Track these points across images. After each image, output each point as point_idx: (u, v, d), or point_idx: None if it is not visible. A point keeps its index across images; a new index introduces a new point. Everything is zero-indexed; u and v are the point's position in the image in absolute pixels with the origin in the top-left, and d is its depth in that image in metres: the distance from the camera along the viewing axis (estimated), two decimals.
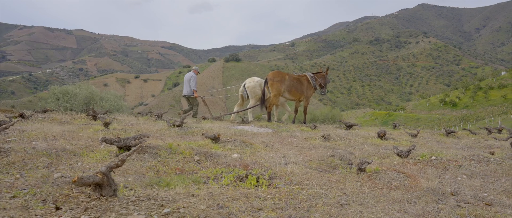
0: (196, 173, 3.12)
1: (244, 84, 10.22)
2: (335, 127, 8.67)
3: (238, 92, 10.66)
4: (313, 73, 9.82)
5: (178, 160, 3.42)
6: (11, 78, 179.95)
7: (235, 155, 3.81)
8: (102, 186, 2.04)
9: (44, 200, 2.06)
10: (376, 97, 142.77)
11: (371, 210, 2.37)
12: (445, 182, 3.35)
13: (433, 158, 4.12)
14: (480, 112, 52.09)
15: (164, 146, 3.68)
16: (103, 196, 2.04)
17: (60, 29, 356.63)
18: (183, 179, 2.81)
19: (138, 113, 8.86)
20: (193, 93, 10.15)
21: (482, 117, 45.20)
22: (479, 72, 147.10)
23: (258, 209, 2.22)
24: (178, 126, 5.66)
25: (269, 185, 2.76)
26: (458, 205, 2.64)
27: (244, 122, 8.25)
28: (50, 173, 2.62)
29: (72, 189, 2.26)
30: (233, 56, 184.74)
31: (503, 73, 78.12)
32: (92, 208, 1.94)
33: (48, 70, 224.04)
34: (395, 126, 9.63)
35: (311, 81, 9.53)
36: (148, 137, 3.83)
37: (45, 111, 7.26)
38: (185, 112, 10.50)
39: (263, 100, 9.08)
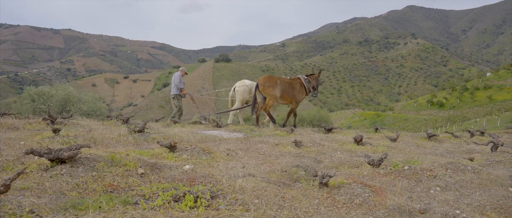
0: (132, 189, 2.72)
1: (234, 88, 10.02)
2: (314, 130, 8.35)
3: (228, 95, 10.56)
4: (306, 76, 9.65)
5: (118, 173, 3.02)
6: None
7: (187, 167, 3.42)
8: None
9: None
10: (366, 98, 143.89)
11: None
12: (415, 196, 3.02)
13: (406, 167, 3.79)
14: (466, 113, 52.72)
15: (106, 157, 3.26)
16: None
17: (47, 28, 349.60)
18: (111, 199, 2.41)
19: (108, 116, 8.39)
20: (181, 91, 9.94)
21: (468, 117, 45.70)
22: (466, 73, 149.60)
23: None
24: (139, 131, 5.24)
25: (208, 206, 2.38)
26: None
27: (219, 126, 7.86)
28: None
29: None
30: (223, 56, 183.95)
31: (488, 74, 79.44)
32: None
33: (34, 70, 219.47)
34: (377, 129, 9.37)
35: (305, 84, 9.35)
36: (88, 147, 3.41)
37: (2, 115, 6.75)
38: (173, 118, 10.16)
39: (254, 105, 8.87)
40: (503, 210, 2.87)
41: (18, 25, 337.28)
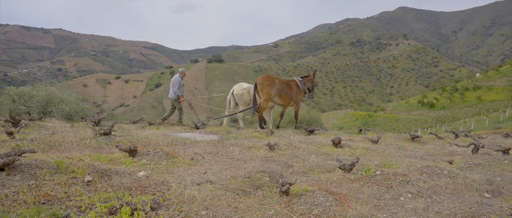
0: (70, 200, 2.47)
1: (232, 91, 9.88)
2: (296, 132, 8.15)
3: (220, 95, 10.40)
4: (301, 78, 9.67)
5: (61, 182, 2.76)
6: None
7: (141, 173, 3.17)
8: None
9: None
10: (358, 98, 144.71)
11: None
12: (382, 205, 2.81)
13: (378, 172, 3.59)
14: (456, 113, 53.19)
15: (51, 164, 3.00)
16: None
17: (38, 28, 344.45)
18: (38, 213, 2.16)
19: (82, 118, 8.08)
20: (178, 97, 9.76)
21: (458, 118, 46.09)
22: (456, 74, 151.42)
23: None
24: (105, 134, 4.97)
25: None
26: None
27: (197, 127, 7.62)
28: None
29: None
30: (216, 57, 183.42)
31: (477, 75, 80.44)
32: None
33: (24, 71, 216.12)
34: (361, 130, 9.21)
35: (300, 85, 9.39)
36: (33, 152, 3.14)
37: None
38: (164, 119, 10.03)
39: (255, 106, 8.79)
40: None
41: (7, 25, 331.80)
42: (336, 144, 5.61)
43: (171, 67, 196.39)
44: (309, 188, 2.97)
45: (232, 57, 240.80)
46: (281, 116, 9.69)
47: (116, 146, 3.76)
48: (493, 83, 65.67)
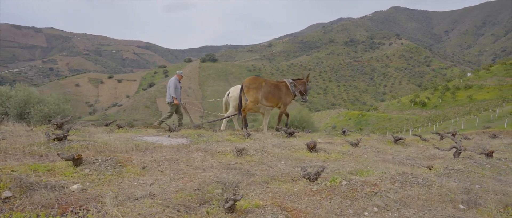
0: None
1: (228, 94, 9.80)
2: (276, 134, 7.83)
3: (218, 100, 10.29)
4: (293, 80, 9.55)
5: None
6: None
7: (75, 186, 2.82)
8: None
9: None
10: (351, 98, 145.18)
11: None
12: None
13: (344, 182, 3.28)
14: (448, 112, 53.42)
15: None
16: None
17: (29, 27, 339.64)
18: None
19: (49, 121, 7.66)
20: (173, 100, 9.59)
21: (449, 117, 46.24)
22: (448, 73, 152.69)
23: None
24: (59, 139, 4.59)
25: None
26: None
27: (171, 130, 7.25)
28: None
29: None
30: (209, 56, 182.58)
31: (468, 74, 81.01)
32: None
33: (15, 70, 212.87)
34: (344, 131, 8.92)
35: (290, 87, 9.23)
36: None
37: None
38: (161, 122, 9.83)
39: (240, 106, 8.74)
40: None
41: None
42: (311, 148, 5.30)
43: (165, 66, 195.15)
44: (261, 202, 2.65)
45: (226, 57, 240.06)
46: (279, 118, 9.61)
47: (58, 154, 3.39)
48: (484, 82, 66.14)
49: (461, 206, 3.13)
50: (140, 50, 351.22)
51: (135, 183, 3.11)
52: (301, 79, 9.76)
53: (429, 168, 4.70)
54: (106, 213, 2.30)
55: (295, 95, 9.47)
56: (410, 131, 37.85)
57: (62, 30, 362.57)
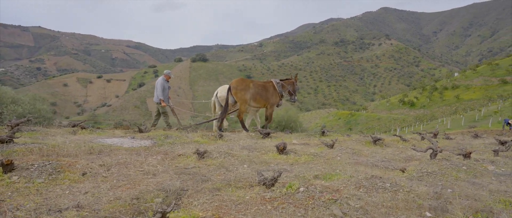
0: None
1: (216, 94, 9.58)
2: (252, 135, 7.54)
3: (208, 102, 10.00)
4: (280, 80, 9.49)
5: None
6: None
7: None
8: None
9: None
10: (342, 97, 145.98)
11: None
12: None
13: (301, 189, 2.99)
14: (435, 112, 53.95)
15: None
16: None
17: (15, 25, 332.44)
18: None
19: (9, 121, 7.20)
20: (160, 102, 9.27)
21: (436, 116, 46.66)
22: (437, 73, 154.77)
23: None
24: (2, 142, 4.21)
25: None
26: None
27: (141, 131, 6.90)
28: None
29: None
30: (200, 56, 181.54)
31: (456, 74, 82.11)
32: None
33: (1, 69, 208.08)
34: (324, 132, 8.68)
35: (277, 88, 9.15)
36: None
37: None
38: (154, 125, 9.58)
39: (226, 108, 8.61)
40: None
41: None
42: (281, 150, 5.01)
43: (155, 66, 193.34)
44: (200, 214, 2.34)
45: (217, 57, 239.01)
46: (266, 118, 9.37)
47: None
48: (471, 82, 67.07)
49: (428, 214, 2.88)
50: (130, 50, 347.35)
51: (67, 192, 2.77)
52: (290, 79, 9.70)
53: (403, 170, 4.47)
54: None
55: (282, 95, 9.39)
56: (398, 130, 38.04)
57: (50, 29, 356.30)
